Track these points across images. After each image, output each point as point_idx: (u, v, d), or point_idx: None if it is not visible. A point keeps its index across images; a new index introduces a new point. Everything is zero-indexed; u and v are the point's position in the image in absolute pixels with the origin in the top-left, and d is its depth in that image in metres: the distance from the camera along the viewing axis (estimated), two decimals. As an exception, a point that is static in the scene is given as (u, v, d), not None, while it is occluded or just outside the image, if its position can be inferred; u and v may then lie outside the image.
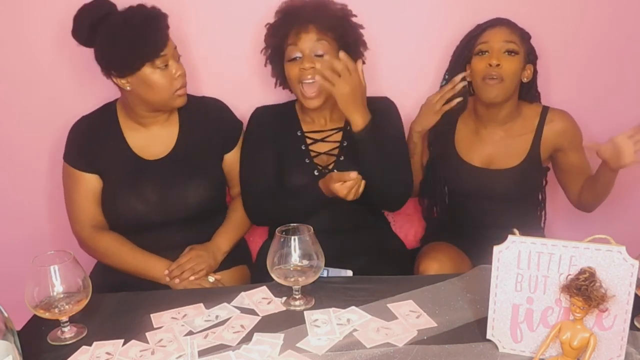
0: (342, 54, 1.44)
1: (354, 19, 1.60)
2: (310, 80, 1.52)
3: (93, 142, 1.57)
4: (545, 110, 1.66)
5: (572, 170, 1.68)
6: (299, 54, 1.54)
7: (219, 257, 1.58)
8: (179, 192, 1.56)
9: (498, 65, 1.55)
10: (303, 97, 1.56)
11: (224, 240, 1.61)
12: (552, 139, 1.64)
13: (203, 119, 1.63)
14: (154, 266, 1.52)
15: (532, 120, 1.66)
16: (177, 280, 1.49)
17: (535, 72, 1.66)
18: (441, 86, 1.72)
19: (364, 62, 1.63)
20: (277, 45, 1.59)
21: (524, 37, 1.61)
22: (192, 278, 1.50)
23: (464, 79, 1.64)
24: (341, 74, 1.42)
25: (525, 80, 1.63)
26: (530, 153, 1.64)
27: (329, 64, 1.44)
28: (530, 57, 1.63)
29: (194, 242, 1.58)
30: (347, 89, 1.44)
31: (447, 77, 1.70)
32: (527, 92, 1.68)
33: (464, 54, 1.64)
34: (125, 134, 1.59)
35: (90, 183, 1.57)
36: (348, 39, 1.58)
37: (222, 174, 1.67)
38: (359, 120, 1.48)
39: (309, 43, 1.53)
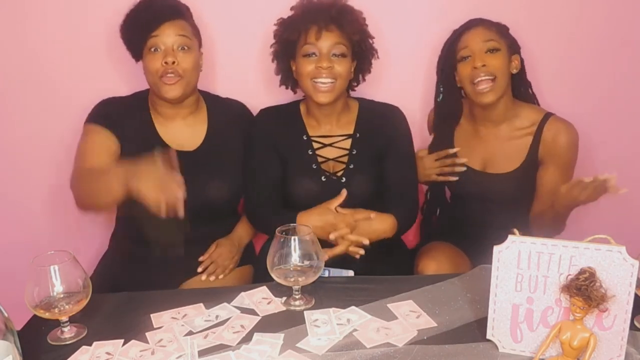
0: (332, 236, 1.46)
1: (369, 29, 1.61)
2: (325, 79, 1.50)
3: (120, 115, 1.57)
4: (548, 116, 1.62)
5: (543, 187, 1.61)
6: (316, 51, 1.52)
7: (241, 249, 1.66)
8: (201, 187, 1.56)
9: (484, 65, 1.53)
10: (314, 92, 1.52)
11: (245, 233, 1.69)
12: (548, 147, 1.59)
13: (229, 120, 1.67)
14: (112, 170, 1.39)
15: (531, 123, 1.62)
16: (212, 278, 1.54)
17: (522, 61, 1.64)
18: (436, 100, 1.70)
19: (369, 72, 1.65)
20: (292, 39, 1.55)
21: (502, 30, 1.60)
22: (221, 276, 1.55)
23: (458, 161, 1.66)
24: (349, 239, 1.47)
25: (514, 71, 1.62)
26: (528, 157, 1.62)
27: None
28: (514, 47, 1.62)
29: (205, 239, 1.60)
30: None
31: (441, 89, 1.68)
32: (519, 83, 1.66)
33: (448, 62, 1.63)
34: (155, 122, 1.61)
35: (105, 138, 1.53)
36: (364, 47, 1.58)
37: (241, 177, 1.66)
38: (389, 234, 1.52)
39: (329, 42, 1.51)
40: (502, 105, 1.62)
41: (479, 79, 1.54)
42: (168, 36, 1.51)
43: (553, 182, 1.60)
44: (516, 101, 1.66)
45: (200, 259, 1.57)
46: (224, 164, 1.62)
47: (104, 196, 1.36)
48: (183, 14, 1.57)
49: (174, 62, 1.50)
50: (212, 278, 1.54)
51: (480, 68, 1.54)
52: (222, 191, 1.59)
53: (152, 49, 1.51)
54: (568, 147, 1.59)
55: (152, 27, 1.51)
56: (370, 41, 1.61)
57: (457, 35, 1.60)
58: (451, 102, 1.68)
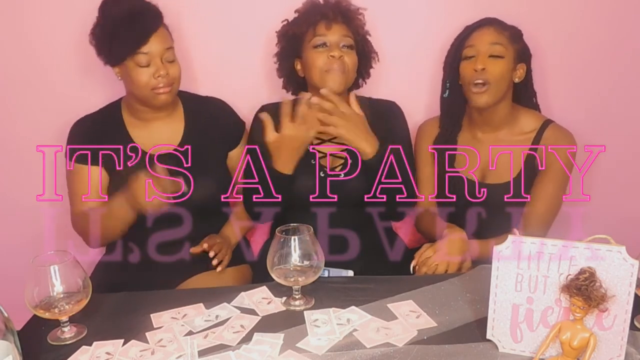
0: (323, 91, 1.45)
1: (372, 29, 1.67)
2: (337, 68, 1.55)
3: (96, 137, 1.59)
4: (548, 123, 1.60)
5: (536, 193, 1.57)
6: (327, 41, 1.56)
7: (231, 248, 1.67)
8: (185, 186, 1.56)
9: (483, 69, 1.52)
10: (326, 75, 1.55)
11: (231, 234, 1.69)
12: (546, 154, 1.56)
13: (207, 117, 1.67)
14: (115, 201, 1.50)
15: (531, 129, 1.60)
16: (219, 269, 1.57)
17: (529, 71, 1.62)
18: (442, 97, 1.69)
19: (369, 75, 1.71)
20: (300, 34, 1.60)
21: (514, 36, 1.57)
22: (219, 269, 1.57)
23: None
24: (333, 112, 1.44)
25: (517, 80, 1.59)
26: (526, 164, 1.59)
27: (319, 108, 1.44)
28: (523, 56, 1.60)
29: (193, 238, 1.59)
30: (345, 124, 1.45)
31: (448, 85, 1.66)
32: (523, 92, 1.64)
33: (456, 57, 1.61)
34: (129, 129, 1.61)
35: (92, 175, 1.58)
36: (366, 47, 1.65)
37: (225, 173, 1.68)
38: (367, 149, 1.48)
39: (338, 34, 1.57)
40: (500, 111, 1.60)
41: (476, 81, 1.53)
42: (156, 49, 1.50)
43: (548, 189, 1.58)
44: (516, 106, 1.64)
45: (210, 252, 1.57)
46: (205, 161, 1.62)
47: (119, 226, 1.52)
48: (162, 20, 1.55)
49: (167, 74, 1.51)
50: (219, 269, 1.56)
51: (480, 71, 1.52)
52: (205, 188, 1.59)
53: (140, 64, 1.49)
54: (566, 155, 1.56)
55: (139, 43, 1.48)
56: (372, 46, 1.67)
57: (467, 32, 1.59)
58: (456, 99, 1.65)
